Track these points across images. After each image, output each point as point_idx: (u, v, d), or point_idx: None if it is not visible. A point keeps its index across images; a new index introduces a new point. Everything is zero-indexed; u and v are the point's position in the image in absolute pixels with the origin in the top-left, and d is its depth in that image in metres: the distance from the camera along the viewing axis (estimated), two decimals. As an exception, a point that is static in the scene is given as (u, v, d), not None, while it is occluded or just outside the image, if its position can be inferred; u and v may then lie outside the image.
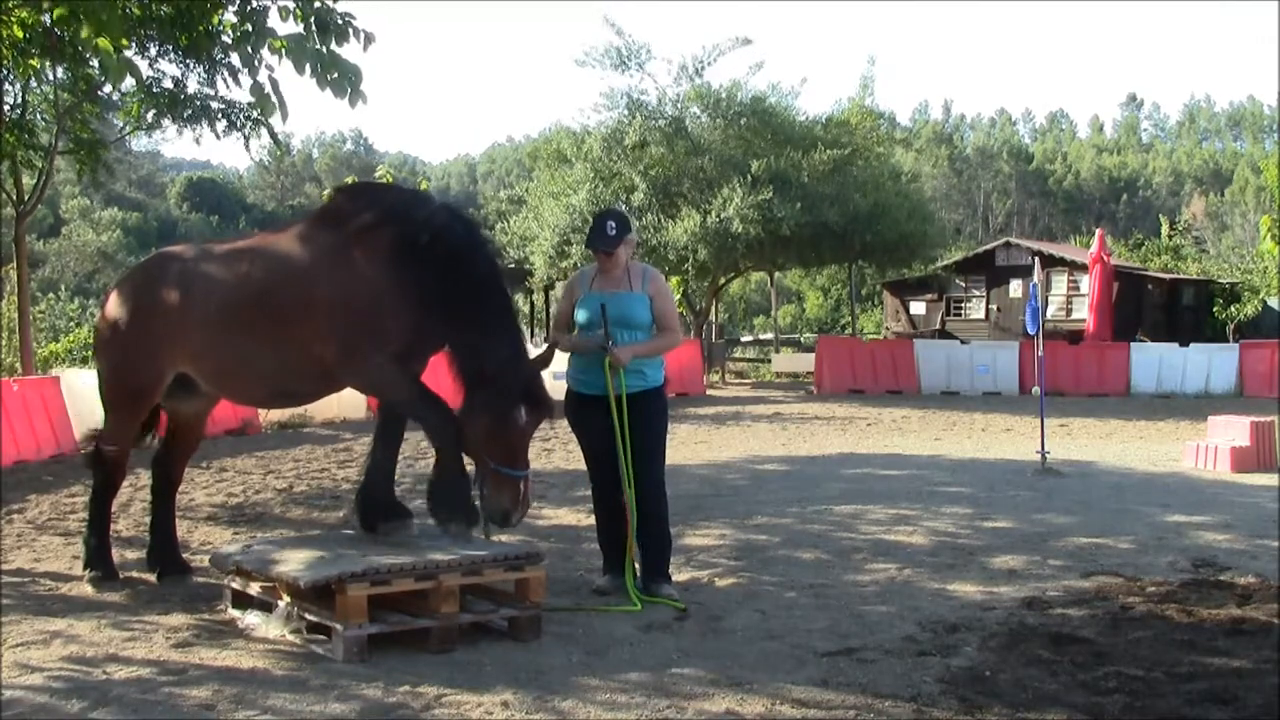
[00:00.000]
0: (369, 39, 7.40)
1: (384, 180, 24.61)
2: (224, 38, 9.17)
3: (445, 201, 6.62)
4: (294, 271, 6.23)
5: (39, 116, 17.17)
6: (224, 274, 6.51)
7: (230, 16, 8.79)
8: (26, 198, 17.01)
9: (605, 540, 6.60)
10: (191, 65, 15.51)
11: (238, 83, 8.69)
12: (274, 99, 7.34)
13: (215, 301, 6.41)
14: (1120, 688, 4.77)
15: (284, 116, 7.60)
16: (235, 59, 8.05)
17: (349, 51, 7.26)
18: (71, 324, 30.44)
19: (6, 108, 15.63)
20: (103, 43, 6.58)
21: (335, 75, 6.99)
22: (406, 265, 5.98)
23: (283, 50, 7.15)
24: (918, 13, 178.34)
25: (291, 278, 6.22)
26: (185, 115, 16.25)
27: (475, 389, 5.87)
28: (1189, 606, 6.11)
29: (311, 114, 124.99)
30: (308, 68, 6.99)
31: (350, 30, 7.25)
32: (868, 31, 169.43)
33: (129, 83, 14.11)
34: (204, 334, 6.46)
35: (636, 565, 6.51)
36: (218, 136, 16.74)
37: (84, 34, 6.96)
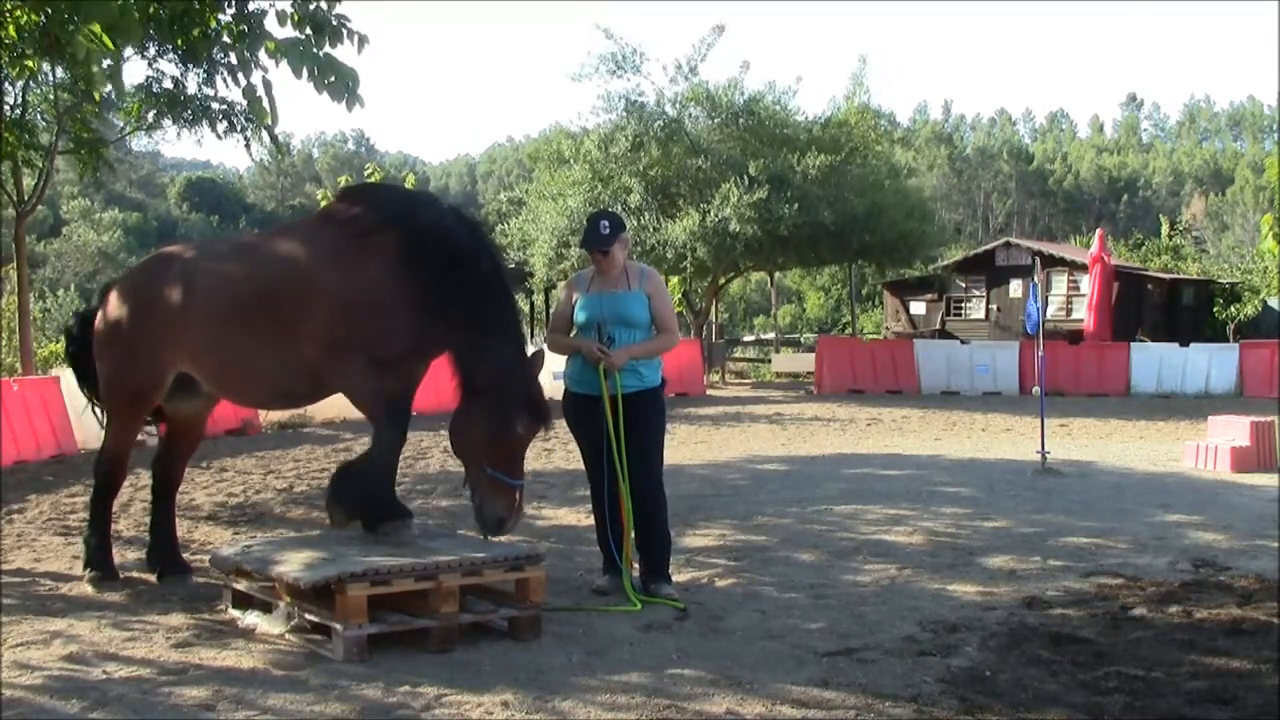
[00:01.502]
0: (363, 41, 7.45)
1: (374, 179, 24.56)
2: (224, 38, 9.20)
3: (451, 204, 6.61)
4: (293, 271, 6.23)
5: (39, 116, 17.17)
6: (224, 273, 6.50)
7: (227, 18, 8.83)
8: (27, 198, 17.01)
9: (604, 540, 6.60)
10: (191, 66, 15.51)
11: (237, 83, 8.72)
12: (265, 101, 7.41)
13: (216, 301, 6.41)
14: (1120, 688, 4.77)
15: (274, 120, 7.66)
16: (233, 58, 8.11)
17: (343, 53, 7.32)
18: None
19: (6, 108, 15.62)
20: (89, 41, 6.63)
21: (333, 79, 7.06)
22: (407, 268, 5.98)
23: (277, 54, 7.22)
24: (917, 13, 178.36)
25: (291, 278, 6.21)
26: (185, 116, 16.26)
27: (476, 393, 5.87)
28: (1189, 606, 6.12)
29: (312, 114, 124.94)
30: (305, 71, 7.06)
31: (344, 32, 7.31)
32: (868, 31, 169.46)
33: (129, 83, 14.18)
34: (205, 334, 6.46)
35: (635, 565, 6.52)
36: (219, 137, 16.76)
37: (81, 32, 7.00)
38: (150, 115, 16.95)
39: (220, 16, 8.94)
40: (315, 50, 7.13)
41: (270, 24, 7.72)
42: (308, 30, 7.24)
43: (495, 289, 6.03)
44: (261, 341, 6.29)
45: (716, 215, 22.22)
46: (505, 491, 5.90)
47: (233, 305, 6.36)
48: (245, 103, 14.20)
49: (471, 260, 6.00)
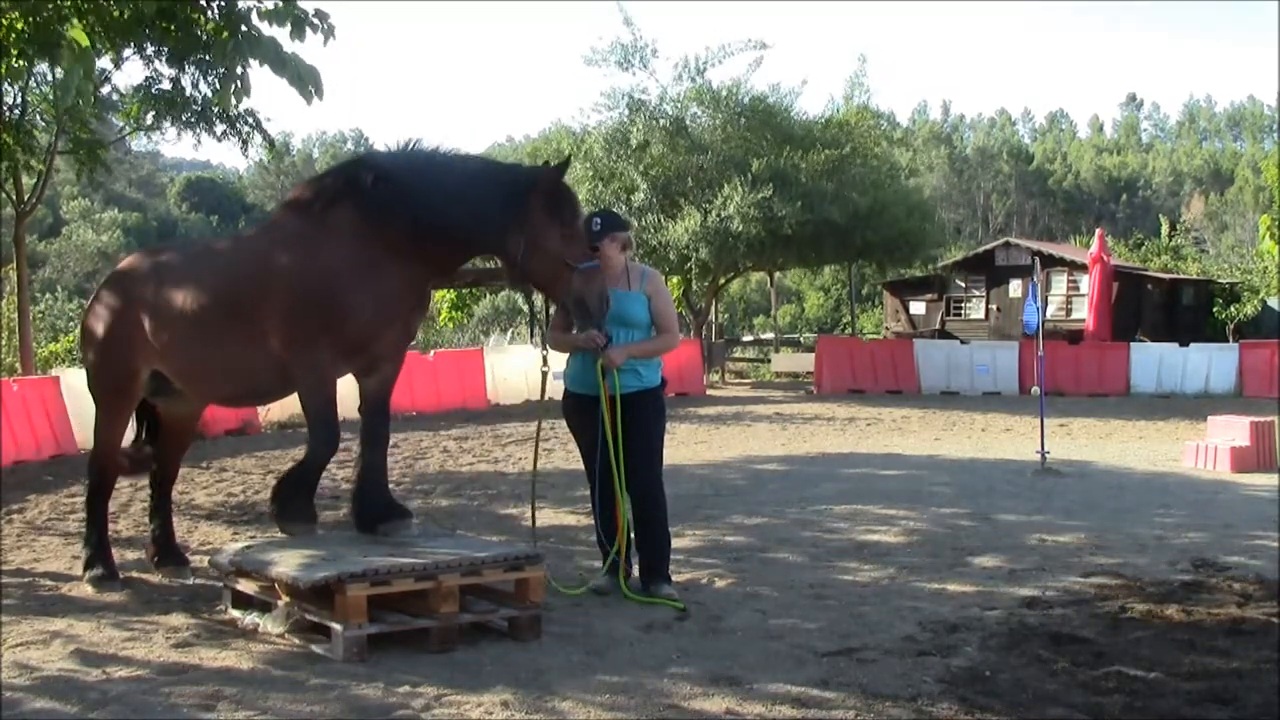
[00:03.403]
0: (329, 34, 7.72)
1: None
2: (215, 37, 9.31)
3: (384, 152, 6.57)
4: (253, 263, 6.28)
5: (38, 117, 17.16)
6: (189, 273, 6.56)
7: (214, 16, 8.97)
8: (26, 198, 17.00)
9: (604, 540, 6.61)
10: (186, 66, 15.50)
11: (229, 77, 8.83)
12: (234, 89, 7.77)
13: (180, 300, 6.47)
14: (1120, 688, 4.77)
15: (230, 101, 8.12)
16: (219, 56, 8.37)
17: (311, 44, 7.82)
18: (71, 324, 30.46)
19: (6, 108, 15.62)
20: (71, 49, 6.82)
21: (298, 75, 7.43)
22: (361, 233, 5.99)
23: (248, 50, 7.58)
24: (916, 13, 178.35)
25: (248, 274, 6.26)
26: (184, 117, 16.26)
27: (524, 220, 5.92)
28: (1189, 606, 6.12)
29: (312, 114, 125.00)
30: (269, 66, 7.42)
31: (313, 26, 7.60)
32: (867, 31, 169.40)
33: (128, 82, 14.26)
34: (171, 333, 6.51)
35: (634, 565, 6.53)
36: (216, 139, 16.77)
37: (66, 36, 7.16)
38: (149, 116, 16.95)
39: (209, 12, 9.07)
40: (280, 48, 7.49)
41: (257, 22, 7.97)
42: (275, 26, 7.54)
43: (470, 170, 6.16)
44: (227, 337, 6.32)
45: (719, 215, 22.19)
46: (595, 273, 6.01)
47: (195, 304, 6.40)
48: (244, 107, 14.20)
49: (446, 169, 6.07)
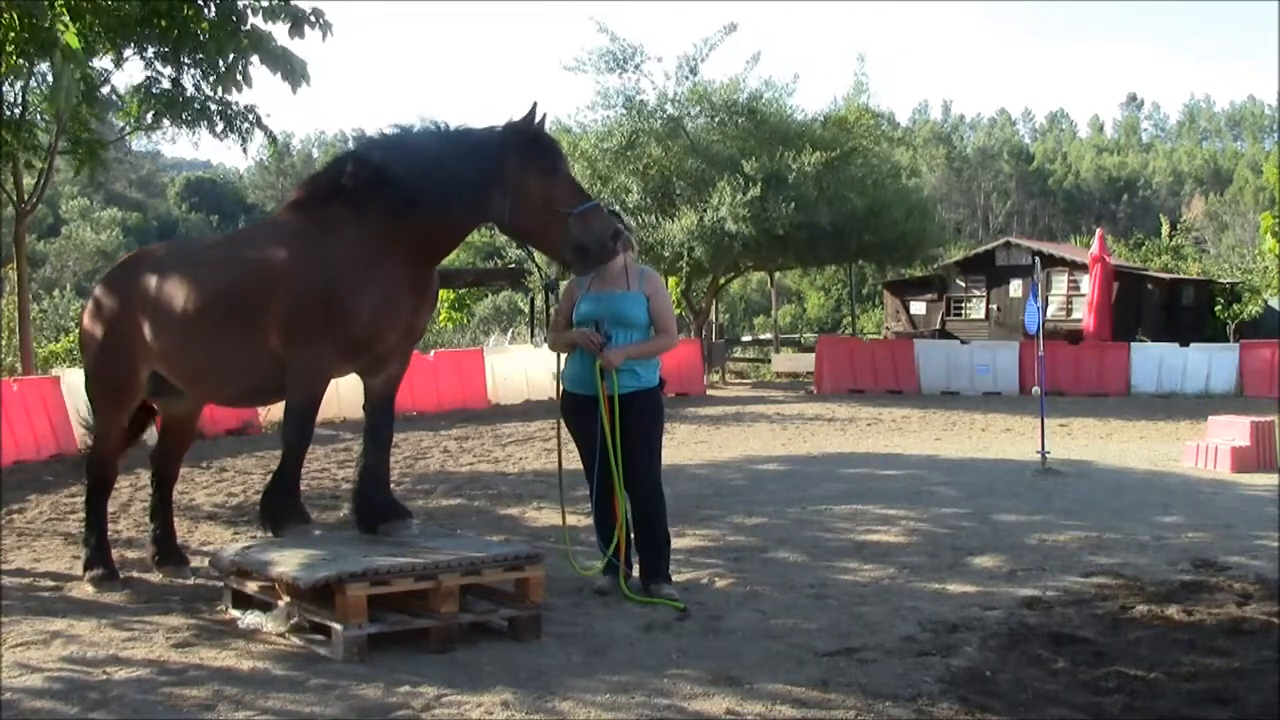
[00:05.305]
0: (327, 28, 7.83)
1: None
2: (211, 35, 9.35)
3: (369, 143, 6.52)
4: (251, 265, 6.25)
5: (39, 116, 17.14)
6: (188, 272, 6.52)
7: (210, 14, 9.04)
8: (27, 197, 17.00)
9: (603, 541, 6.61)
10: (186, 65, 15.50)
11: (230, 78, 8.88)
12: (234, 78, 7.99)
13: (179, 300, 6.44)
14: (1120, 688, 4.77)
15: (239, 89, 8.36)
16: (221, 60, 8.51)
17: (310, 39, 8.07)
18: (74, 323, 30.51)
19: (6, 107, 15.61)
20: (64, 52, 6.91)
21: (290, 69, 7.63)
22: (356, 228, 5.97)
23: (248, 48, 7.75)
24: (917, 12, 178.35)
25: (249, 272, 6.24)
26: (184, 117, 16.24)
27: (502, 174, 5.82)
28: (1189, 606, 6.12)
29: (312, 114, 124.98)
30: (262, 59, 7.62)
31: (311, 21, 7.74)
32: (867, 31, 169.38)
33: (128, 82, 14.32)
34: (170, 333, 6.49)
35: (634, 565, 6.54)
36: (218, 138, 16.75)
37: (66, 37, 7.23)
38: (149, 116, 16.93)
39: (206, 10, 9.14)
40: (274, 44, 7.70)
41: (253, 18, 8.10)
42: (272, 23, 7.71)
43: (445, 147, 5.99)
44: (223, 338, 6.30)
45: (714, 215, 22.16)
46: (593, 214, 5.86)
47: (194, 303, 6.38)
48: (244, 105, 14.36)
49: (395, 171, 5.96)
